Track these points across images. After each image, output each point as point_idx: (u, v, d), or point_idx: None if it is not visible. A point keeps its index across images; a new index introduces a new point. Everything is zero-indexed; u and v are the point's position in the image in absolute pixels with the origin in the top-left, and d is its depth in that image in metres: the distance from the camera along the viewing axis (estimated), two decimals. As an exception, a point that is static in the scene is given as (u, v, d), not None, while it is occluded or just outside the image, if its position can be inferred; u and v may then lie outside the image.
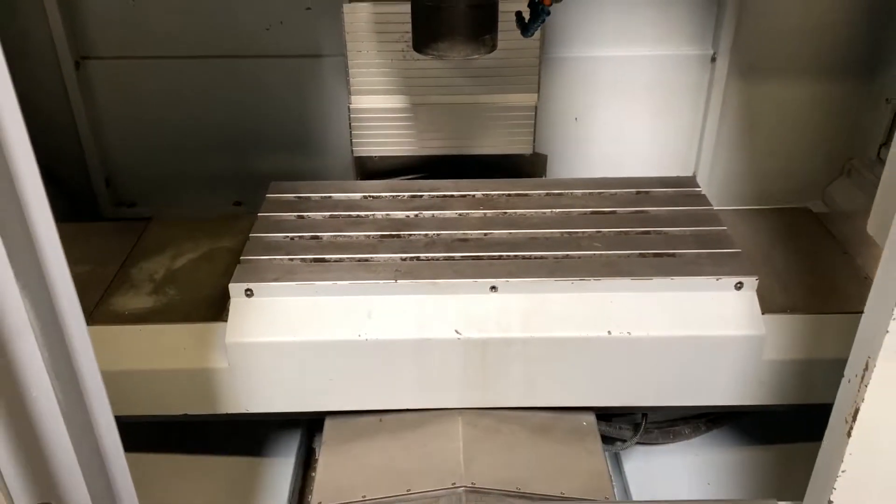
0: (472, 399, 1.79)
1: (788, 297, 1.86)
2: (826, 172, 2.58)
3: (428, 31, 1.82)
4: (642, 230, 1.93)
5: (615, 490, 1.92)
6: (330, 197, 2.07)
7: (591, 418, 1.86)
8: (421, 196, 2.07)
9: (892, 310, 1.17)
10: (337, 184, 2.17)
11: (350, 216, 1.98)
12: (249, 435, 2.08)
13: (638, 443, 2.03)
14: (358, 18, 2.23)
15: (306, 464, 2.09)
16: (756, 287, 1.75)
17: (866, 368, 1.24)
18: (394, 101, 2.34)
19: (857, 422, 1.28)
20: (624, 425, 2.01)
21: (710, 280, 1.74)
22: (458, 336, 1.71)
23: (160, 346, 1.76)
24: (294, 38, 2.49)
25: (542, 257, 1.82)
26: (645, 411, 1.96)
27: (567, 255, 1.83)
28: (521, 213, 2.00)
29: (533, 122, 2.37)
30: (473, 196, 2.08)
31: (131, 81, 2.57)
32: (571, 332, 1.72)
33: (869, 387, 1.24)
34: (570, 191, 2.10)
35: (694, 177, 2.18)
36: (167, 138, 2.64)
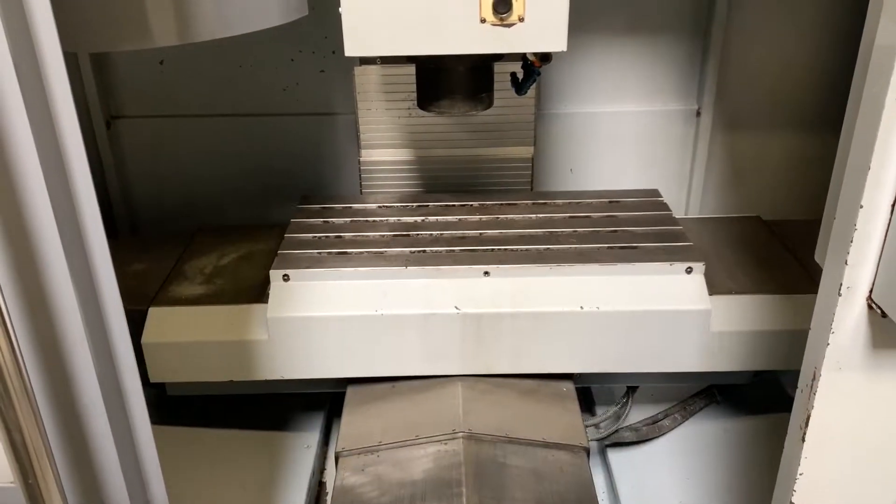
0: (469, 366, 2.13)
1: (733, 282, 2.21)
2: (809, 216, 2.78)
3: (431, 91, 2.00)
4: (611, 229, 2.29)
5: (605, 495, 2.22)
6: (350, 206, 2.45)
7: (570, 385, 2.20)
8: (427, 205, 2.45)
9: (831, 325, 1.30)
10: (356, 196, 2.55)
11: (367, 221, 2.36)
12: (277, 414, 2.42)
13: (623, 443, 2.32)
14: (367, 80, 2.44)
15: (327, 442, 2.42)
16: (703, 272, 2.11)
17: (814, 378, 1.35)
18: (401, 155, 2.53)
19: (809, 427, 1.38)
20: (610, 420, 2.33)
21: (665, 265, 2.10)
22: (457, 311, 2.07)
23: (211, 323, 2.11)
24: (309, 98, 2.67)
25: (527, 250, 2.18)
26: (614, 380, 2.30)
27: (548, 247, 2.19)
28: (511, 217, 2.37)
29: (530, 172, 2.53)
30: (471, 205, 2.45)
31: (157, 139, 2.74)
32: (551, 308, 2.07)
33: (817, 395, 1.35)
34: (552, 201, 2.48)
35: (657, 189, 2.50)
36: (189, 190, 2.80)
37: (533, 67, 2.03)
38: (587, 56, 2.63)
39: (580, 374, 2.25)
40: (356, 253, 2.18)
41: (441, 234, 2.28)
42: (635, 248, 2.19)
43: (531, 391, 2.15)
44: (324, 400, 2.45)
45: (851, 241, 1.23)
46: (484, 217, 2.38)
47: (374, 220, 2.37)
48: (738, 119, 2.68)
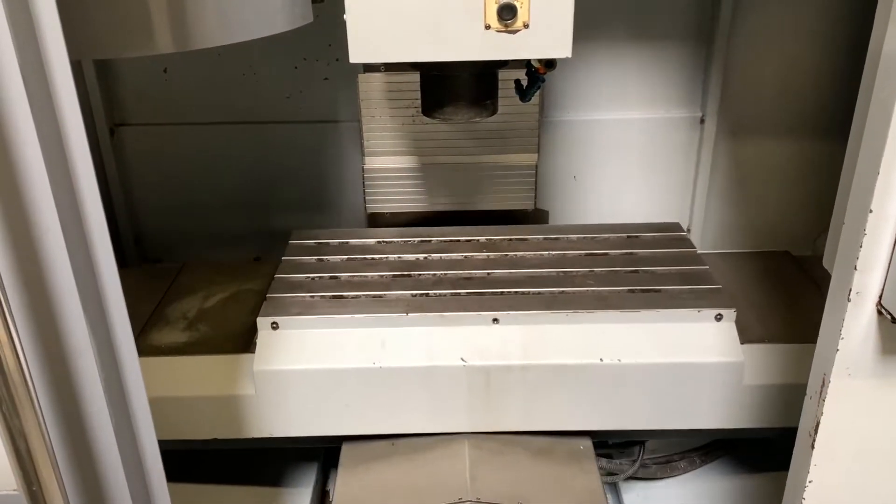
0: (477, 423, 1.94)
1: (766, 329, 2.02)
2: (815, 226, 2.70)
3: (435, 98, 1.97)
4: (631, 269, 2.11)
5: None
6: (347, 242, 2.26)
7: (587, 443, 2.00)
8: (430, 241, 2.27)
9: (840, 331, 1.30)
10: (353, 231, 2.36)
11: (365, 259, 2.17)
12: (268, 467, 2.23)
13: (636, 477, 2.17)
14: (371, 87, 2.39)
15: (322, 497, 2.23)
16: (734, 319, 1.92)
17: (823, 385, 1.36)
18: (404, 162, 2.48)
19: (818, 434, 1.39)
20: (624, 461, 2.16)
21: (693, 312, 1.92)
22: (463, 364, 1.88)
23: (193, 376, 1.93)
24: (313, 106, 2.65)
25: (539, 293, 2.00)
26: (637, 436, 2.11)
27: (562, 290, 2.01)
28: (521, 254, 2.19)
29: (534, 179, 2.50)
30: (478, 241, 2.27)
31: (161, 146, 2.72)
32: (567, 359, 1.88)
33: (826, 401, 1.36)
34: (565, 236, 2.29)
35: (679, 223, 2.35)
36: (192, 198, 2.77)
37: (537, 74, 1.95)
38: (591, 63, 2.59)
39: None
40: (352, 297, 1.99)
41: (445, 275, 2.10)
42: (659, 291, 2.00)
43: (545, 450, 1.95)
44: (318, 450, 2.26)
45: (860, 247, 1.24)
46: (492, 254, 2.20)
47: (372, 258, 2.18)
48: (742, 126, 2.64)
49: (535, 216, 2.72)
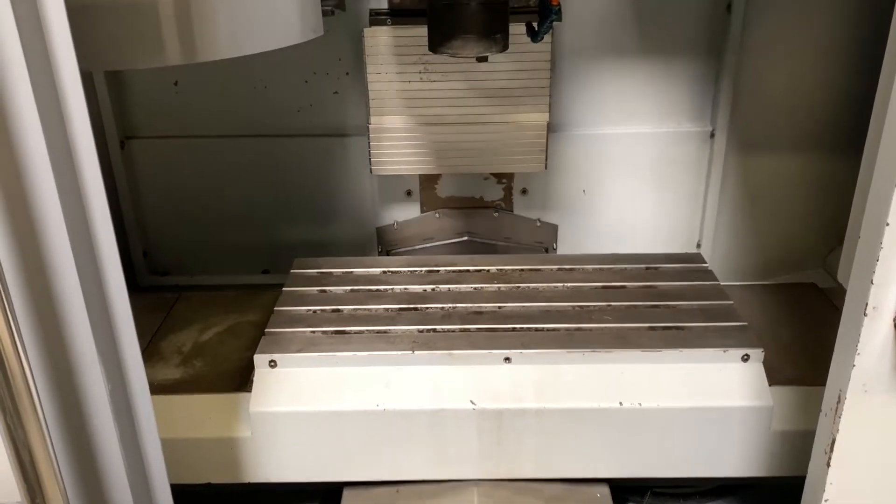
0: (487, 470, 1.83)
1: (795, 369, 1.90)
2: (827, 242, 2.63)
3: (442, 31, 1.90)
4: (651, 304, 1.99)
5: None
6: (351, 272, 2.16)
7: (605, 490, 1.88)
8: (438, 271, 2.16)
9: (857, 346, 1.28)
10: (358, 260, 2.26)
11: (370, 290, 2.06)
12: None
13: None
14: (378, 42, 2.33)
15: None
16: (762, 359, 1.80)
17: (839, 401, 1.34)
18: (411, 121, 2.43)
19: (834, 452, 1.37)
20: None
21: (718, 352, 1.80)
22: (472, 407, 1.76)
23: (186, 416, 1.82)
24: (322, 119, 2.62)
25: (554, 330, 1.89)
26: (657, 483, 1.98)
27: (579, 327, 1.89)
28: (534, 287, 2.08)
29: (545, 141, 2.45)
30: (488, 271, 2.16)
31: (170, 159, 2.70)
32: (584, 403, 1.77)
33: (842, 418, 1.34)
34: (581, 266, 2.18)
35: (700, 253, 2.25)
36: (201, 211, 2.75)
37: (550, 6, 1.88)
38: (600, 77, 2.55)
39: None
40: (355, 332, 1.88)
41: (454, 308, 1.98)
42: (682, 328, 1.88)
43: (559, 499, 1.83)
44: (317, 493, 2.14)
45: (877, 261, 1.23)
46: (503, 286, 2.08)
47: (377, 289, 2.07)
48: (752, 140, 2.60)
49: (543, 230, 2.68)
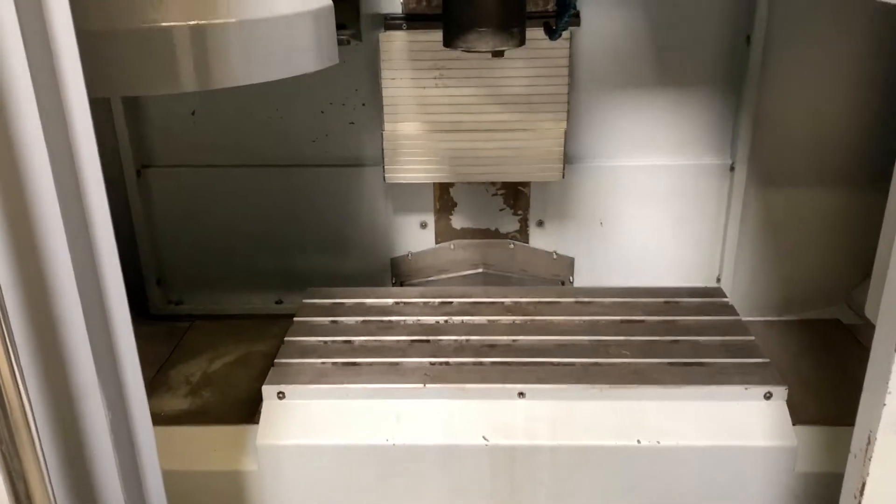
0: (499, 508, 1.77)
1: (820, 408, 1.83)
2: (850, 277, 2.57)
3: (457, 24, 1.87)
4: (670, 339, 1.94)
5: None
6: (363, 302, 2.12)
7: (621, 531, 1.82)
8: (451, 302, 2.12)
9: (887, 384, 1.22)
10: (370, 290, 2.23)
11: (382, 321, 2.03)
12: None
13: None
14: (393, 47, 2.31)
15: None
16: (786, 397, 1.74)
17: (869, 442, 1.28)
18: (426, 128, 2.40)
19: (864, 496, 1.31)
20: None
21: (739, 389, 1.74)
22: (485, 443, 1.71)
23: (191, 448, 1.78)
24: (338, 150, 2.61)
25: (570, 364, 1.84)
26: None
27: (595, 362, 1.84)
28: (550, 320, 2.03)
29: (563, 149, 2.40)
30: (502, 303, 2.12)
31: (186, 188, 2.70)
32: (600, 440, 1.71)
33: (873, 460, 1.28)
34: (598, 299, 2.13)
35: (721, 288, 2.20)
36: (216, 240, 2.74)
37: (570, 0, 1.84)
38: (618, 108, 2.52)
39: (633, 516, 1.86)
40: (366, 364, 1.84)
41: (467, 341, 1.94)
42: (702, 364, 1.82)
43: (574, 540, 1.77)
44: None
45: None
46: (518, 318, 2.04)
47: (389, 320, 2.04)
48: (773, 174, 2.55)
49: (559, 263, 2.64)
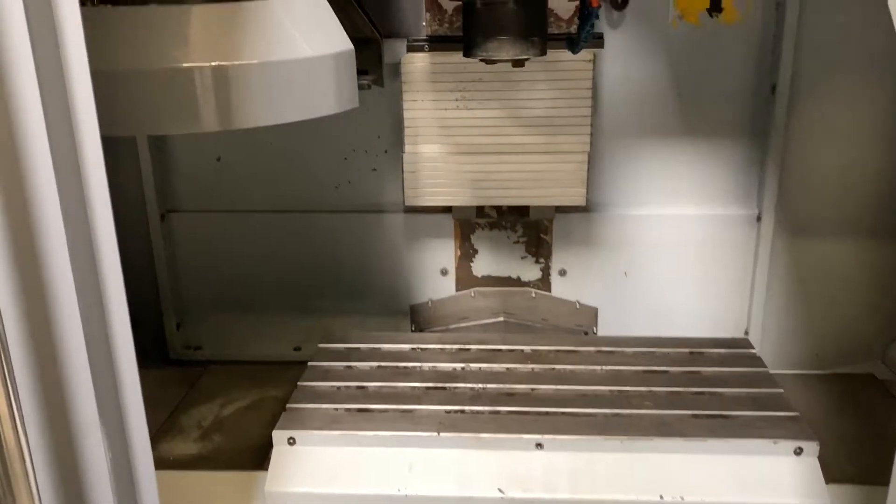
0: (515, 565, 1.70)
1: (854, 465, 1.75)
2: (885, 332, 2.50)
3: (477, 32, 1.85)
4: (695, 390, 1.87)
5: None
6: (379, 348, 2.09)
7: (643, 592, 1.73)
8: (469, 349, 2.07)
9: None
10: (387, 335, 2.19)
11: (397, 367, 1.99)
12: None
13: None
14: (415, 68, 2.30)
15: None
16: (817, 453, 1.66)
17: None
18: (446, 150, 2.37)
19: None
20: None
21: (768, 443, 1.66)
22: (501, 495, 1.65)
23: (199, 494, 1.74)
24: (359, 196, 2.62)
25: (590, 414, 1.78)
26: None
27: (616, 412, 1.78)
28: (570, 369, 1.98)
29: (586, 172, 2.36)
30: (522, 351, 2.07)
31: (209, 232, 2.71)
32: (621, 495, 1.64)
33: None
34: (620, 349, 2.08)
35: (748, 339, 2.13)
36: (237, 285, 2.74)
37: (590, 7, 1.84)
38: (641, 156, 2.50)
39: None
40: (380, 410, 1.80)
41: (484, 388, 1.89)
42: (728, 417, 1.75)
43: None
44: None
45: None
46: (537, 367, 1.99)
47: (405, 366, 2.00)
48: (802, 225, 2.51)
49: (582, 313, 2.59)
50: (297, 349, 2.70)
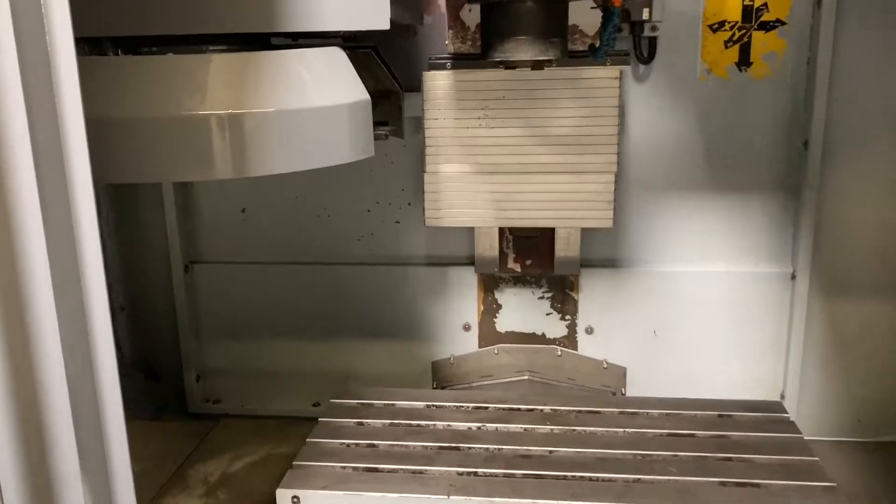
0: None
1: (897, 543, 1.62)
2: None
3: (495, 33, 1.81)
4: (723, 456, 1.77)
5: None
6: (393, 404, 2.02)
7: None
8: (486, 408, 2.00)
9: None
10: (402, 391, 2.13)
11: (410, 425, 1.92)
12: None
13: None
14: (436, 85, 2.26)
15: None
16: (856, 529, 1.54)
17: None
18: (468, 169, 2.31)
19: None
20: None
21: (801, 517, 1.55)
22: (513, 564, 1.56)
23: (200, 554, 1.68)
24: (382, 248, 2.62)
25: (610, 480, 1.68)
26: None
27: (638, 478, 1.68)
28: (591, 431, 1.89)
29: (612, 193, 2.27)
30: (541, 410, 1.99)
31: (232, 284, 2.72)
32: (641, 567, 1.54)
33: None
34: (645, 410, 1.98)
35: (781, 402, 2.03)
36: (257, 338, 2.73)
37: (612, 8, 1.78)
38: (671, 211, 2.46)
39: None
40: (389, 471, 1.73)
41: (499, 450, 1.81)
42: (757, 486, 1.65)
43: None
44: None
45: None
46: (556, 428, 1.90)
47: (418, 425, 1.93)
48: (839, 284, 2.42)
49: (609, 373, 2.52)
50: (316, 405, 2.65)
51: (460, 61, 2.25)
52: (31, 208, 0.88)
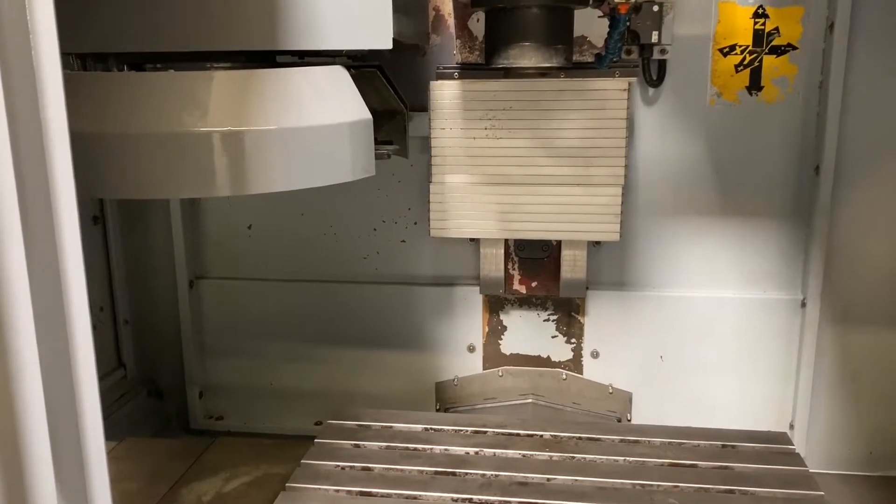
0: None
1: (905, 584, 1.57)
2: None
3: (499, 38, 1.80)
4: (725, 488, 1.72)
5: None
6: (390, 427, 2.00)
7: None
8: (485, 432, 1.97)
9: None
10: (400, 414, 2.10)
11: (407, 448, 1.89)
12: None
13: None
14: (443, 94, 2.24)
15: None
16: (860, 568, 1.49)
17: None
18: (474, 179, 2.29)
19: None
20: None
21: (803, 554, 1.51)
22: None
23: (189, 576, 1.66)
24: (387, 267, 2.61)
25: (608, 511, 1.64)
26: None
27: (636, 510, 1.64)
28: (591, 458, 1.85)
29: (619, 205, 2.24)
30: (541, 436, 1.95)
31: (236, 300, 2.72)
32: None
33: None
34: (647, 439, 1.94)
35: (787, 433, 1.98)
36: (261, 355, 2.73)
37: (619, 15, 1.76)
38: (679, 236, 2.43)
39: None
40: (382, 495, 1.70)
41: (496, 476, 1.78)
42: (759, 521, 1.60)
43: None
44: None
45: None
46: (555, 455, 1.87)
47: (415, 448, 1.90)
48: (850, 312, 2.38)
49: (615, 398, 2.49)
50: (319, 423, 2.63)
51: (468, 71, 2.25)
52: (13, 223, 0.87)
